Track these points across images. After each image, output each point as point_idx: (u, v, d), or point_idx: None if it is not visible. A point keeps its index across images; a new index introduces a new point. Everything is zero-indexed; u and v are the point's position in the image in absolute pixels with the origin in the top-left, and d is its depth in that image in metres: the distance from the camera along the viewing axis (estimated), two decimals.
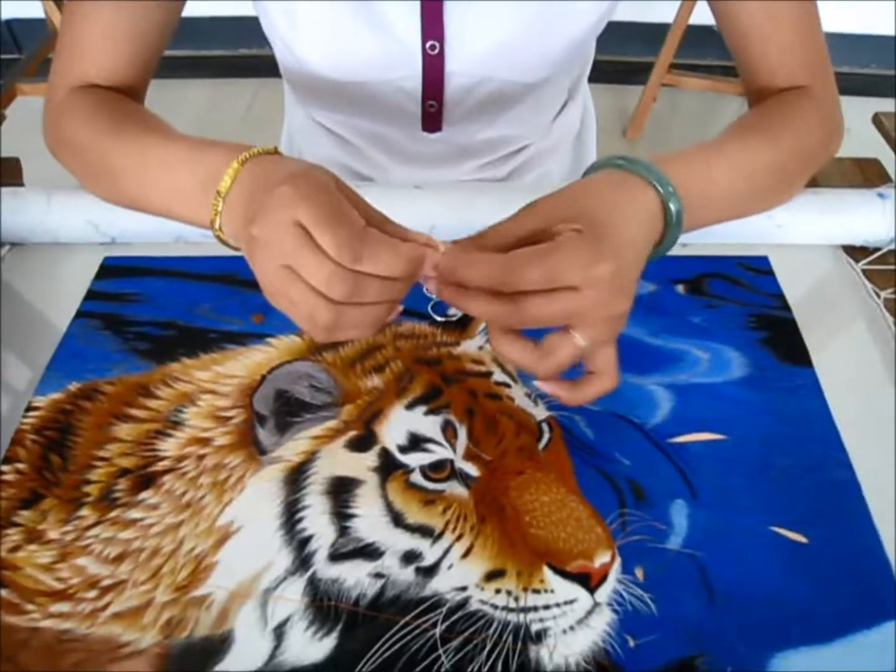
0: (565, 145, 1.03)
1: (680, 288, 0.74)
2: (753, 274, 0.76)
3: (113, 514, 0.56)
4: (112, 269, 0.75)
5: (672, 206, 0.55)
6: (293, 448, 0.59)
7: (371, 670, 0.50)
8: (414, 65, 0.80)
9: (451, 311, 0.70)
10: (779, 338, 0.70)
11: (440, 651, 0.50)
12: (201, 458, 0.59)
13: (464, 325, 0.70)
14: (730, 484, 0.59)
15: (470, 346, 0.67)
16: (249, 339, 0.68)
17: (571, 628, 0.51)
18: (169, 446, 0.59)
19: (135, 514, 0.56)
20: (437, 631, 0.51)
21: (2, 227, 0.74)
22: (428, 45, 0.78)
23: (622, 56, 2.67)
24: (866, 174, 0.87)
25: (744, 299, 0.73)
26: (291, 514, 0.55)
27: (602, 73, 1.06)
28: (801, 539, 0.57)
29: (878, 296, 0.76)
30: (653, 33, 2.50)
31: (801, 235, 0.78)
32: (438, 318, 0.70)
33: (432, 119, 0.87)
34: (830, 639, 0.52)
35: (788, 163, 0.69)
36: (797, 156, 0.70)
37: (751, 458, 0.61)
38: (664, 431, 0.62)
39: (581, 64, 0.98)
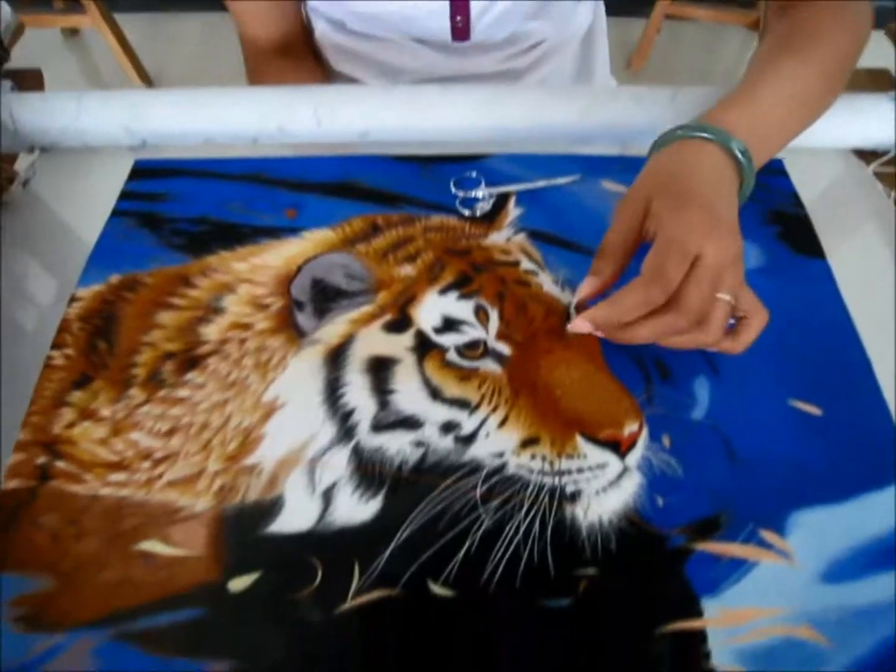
0: (576, 43, 1.06)
1: None
2: (768, 174, 0.77)
3: (161, 393, 0.58)
4: (144, 170, 0.77)
5: (736, 149, 0.59)
6: (332, 331, 0.60)
7: (416, 528, 0.52)
8: None
9: (479, 206, 0.72)
10: (793, 232, 0.72)
11: (480, 510, 0.52)
12: (243, 341, 0.60)
13: (491, 219, 0.71)
14: (749, 363, 0.61)
15: (497, 238, 0.69)
16: (283, 233, 0.70)
17: (604, 489, 0.53)
18: (211, 331, 0.61)
19: (182, 392, 0.58)
20: (477, 492, 0.53)
21: (31, 132, 0.75)
22: None
23: None
24: (877, 83, 0.88)
25: (759, 197, 0.74)
26: (333, 391, 0.57)
27: (607, 5, 1.07)
28: (816, 411, 0.59)
29: (889, 196, 0.77)
30: None
31: (814, 139, 0.79)
32: (466, 213, 0.71)
33: (461, 32, 0.90)
34: (842, 499, 0.54)
35: (827, 71, 0.70)
36: (834, 61, 0.71)
37: (768, 341, 0.62)
38: None
39: None
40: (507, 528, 0.51)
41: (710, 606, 0.49)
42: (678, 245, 0.52)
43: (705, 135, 0.59)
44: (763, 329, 0.58)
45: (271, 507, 0.53)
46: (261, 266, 0.66)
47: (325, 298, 0.61)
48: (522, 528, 0.51)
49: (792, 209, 0.75)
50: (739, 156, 0.59)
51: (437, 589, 0.50)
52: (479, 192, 0.73)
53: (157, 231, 0.71)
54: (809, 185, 0.78)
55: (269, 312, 0.62)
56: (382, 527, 0.52)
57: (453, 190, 0.72)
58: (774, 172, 0.78)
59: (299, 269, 0.63)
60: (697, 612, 0.49)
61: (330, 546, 0.51)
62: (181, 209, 0.72)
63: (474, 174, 0.74)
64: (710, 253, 0.52)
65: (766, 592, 0.50)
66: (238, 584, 0.50)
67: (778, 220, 0.73)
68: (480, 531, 0.51)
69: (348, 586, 0.50)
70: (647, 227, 0.55)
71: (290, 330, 0.60)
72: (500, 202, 0.72)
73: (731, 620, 0.49)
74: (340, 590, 0.50)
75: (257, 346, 0.60)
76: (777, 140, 0.68)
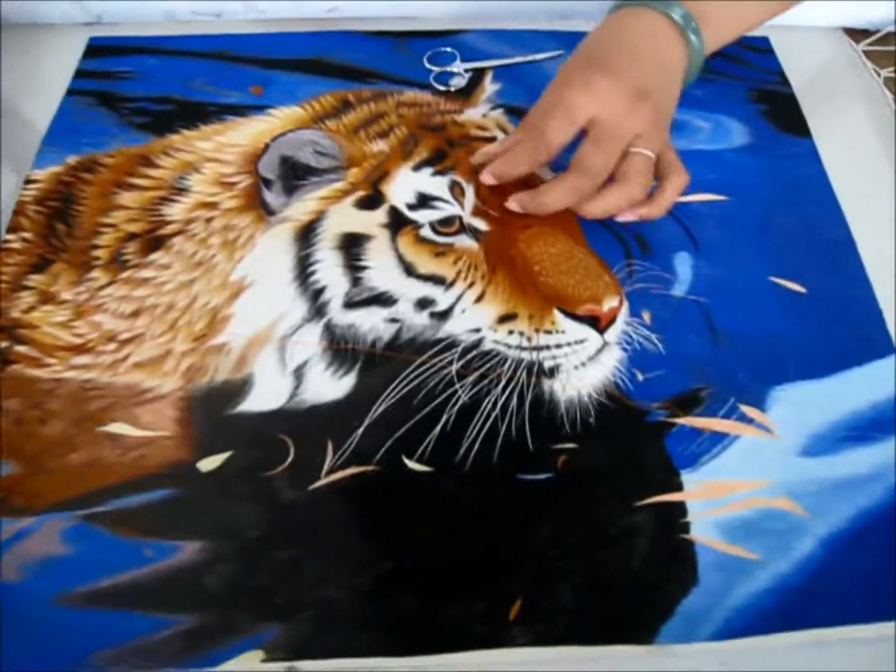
0: None
1: None
2: (753, 52, 0.75)
3: (124, 274, 0.56)
4: (100, 48, 0.73)
5: (676, 15, 0.55)
6: (301, 208, 0.58)
7: (390, 405, 0.51)
8: None
9: (454, 81, 0.69)
10: (778, 110, 0.70)
11: (457, 386, 0.51)
12: (209, 220, 0.58)
13: (467, 94, 0.69)
14: (731, 239, 0.60)
15: (473, 113, 0.67)
16: (249, 110, 0.67)
17: (583, 364, 0.53)
18: (175, 211, 0.59)
19: (146, 273, 0.56)
20: (453, 368, 0.52)
21: None
22: None
23: None
24: None
25: (744, 75, 0.73)
26: (304, 268, 0.56)
27: None
28: (800, 288, 0.58)
29: (879, 74, 0.75)
30: None
31: (802, 17, 0.76)
32: (441, 88, 0.69)
33: None
34: (823, 374, 0.54)
35: None
36: None
37: (751, 217, 0.62)
38: None
39: None
40: (485, 404, 0.51)
41: (689, 480, 0.49)
42: (564, 107, 0.53)
43: (646, 1, 0.56)
44: (682, 189, 0.56)
45: (241, 387, 0.52)
46: (227, 144, 0.63)
47: (295, 176, 0.58)
48: (500, 403, 0.51)
49: (777, 87, 0.73)
50: (679, 20, 0.55)
51: (413, 465, 0.49)
52: (455, 68, 0.70)
53: (117, 110, 0.67)
54: (796, 63, 0.75)
55: (236, 191, 0.59)
56: (356, 404, 0.51)
57: (427, 65, 0.70)
58: (760, 50, 0.76)
59: (267, 146, 0.60)
60: (677, 486, 0.49)
61: (302, 424, 0.50)
62: (142, 87, 0.69)
63: (449, 49, 0.72)
64: (602, 116, 0.52)
65: (746, 466, 0.50)
66: (209, 463, 0.49)
67: (763, 98, 0.71)
68: (457, 407, 0.51)
69: (322, 463, 0.49)
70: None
71: (258, 208, 0.58)
72: (476, 78, 0.70)
73: (710, 493, 0.49)
74: (314, 467, 0.49)
75: (224, 225, 0.58)
76: (734, 24, 0.64)
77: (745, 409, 0.52)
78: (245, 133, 0.64)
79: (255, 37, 0.73)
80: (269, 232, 0.57)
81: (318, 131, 0.62)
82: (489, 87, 0.70)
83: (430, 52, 0.71)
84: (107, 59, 0.72)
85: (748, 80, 0.72)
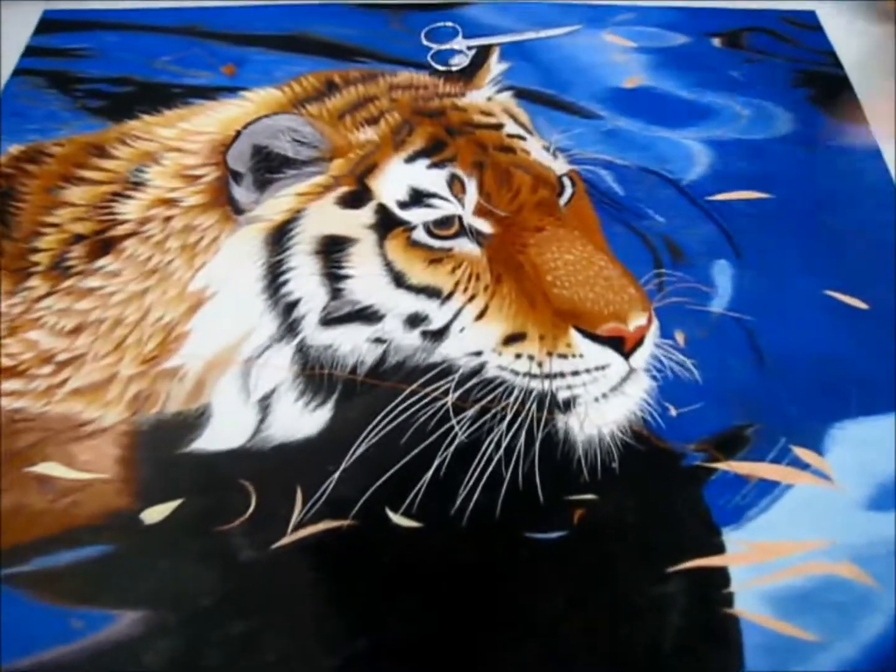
0: None
1: (716, 41, 0.68)
2: (799, 29, 0.70)
3: (67, 283, 0.51)
4: (55, 22, 0.68)
5: None
6: (275, 206, 0.52)
7: (373, 444, 0.45)
8: None
9: (455, 59, 0.65)
10: (829, 95, 0.65)
11: (453, 422, 0.46)
12: (168, 219, 0.52)
13: (470, 75, 0.63)
14: (777, 244, 0.55)
15: (477, 96, 0.60)
16: (220, 93, 0.62)
17: (604, 396, 0.47)
18: (130, 209, 0.53)
19: (92, 282, 0.51)
20: (449, 400, 0.47)
21: None
22: None
23: None
24: None
25: (789, 55, 0.68)
26: (275, 277, 0.50)
27: None
28: (860, 304, 0.52)
29: None
30: None
31: None
32: (440, 68, 0.64)
33: None
34: (890, 409, 0.48)
35: None
36: None
37: (799, 218, 0.56)
38: (702, 188, 0.57)
39: None
40: (486, 444, 0.45)
41: (733, 540, 0.43)
42: None
43: None
44: None
45: (196, 419, 0.47)
46: (192, 132, 0.57)
47: (269, 169, 0.52)
48: (504, 444, 0.45)
49: (827, 68, 0.67)
50: None
51: (399, 519, 0.44)
52: (456, 44, 0.66)
53: (71, 92, 0.63)
54: (848, 41, 0.69)
55: (201, 185, 0.53)
56: (331, 443, 0.46)
57: (425, 42, 0.66)
58: (806, 26, 0.70)
59: (238, 134, 0.53)
60: (718, 547, 0.43)
61: (266, 466, 0.45)
62: (99, 67, 0.65)
63: (450, 24, 0.67)
64: None
65: (801, 522, 0.44)
66: (154, 514, 0.44)
67: (810, 81, 0.66)
68: (452, 447, 0.45)
69: (288, 516, 0.44)
70: None
71: (225, 206, 0.52)
72: (481, 56, 0.65)
73: (758, 556, 0.43)
74: (278, 520, 0.44)
75: (185, 225, 0.52)
76: None
77: (798, 451, 0.46)
78: (213, 119, 0.58)
79: (228, 9, 0.69)
80: (237, 234, 0.52)
81: (297, 117, 0.55)
82: (495, 66, 0.64)
83: (429, 27, 0.67)
84: (62, 35, 0.67)
85: (794, 61, 0.67)
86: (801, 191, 0.57)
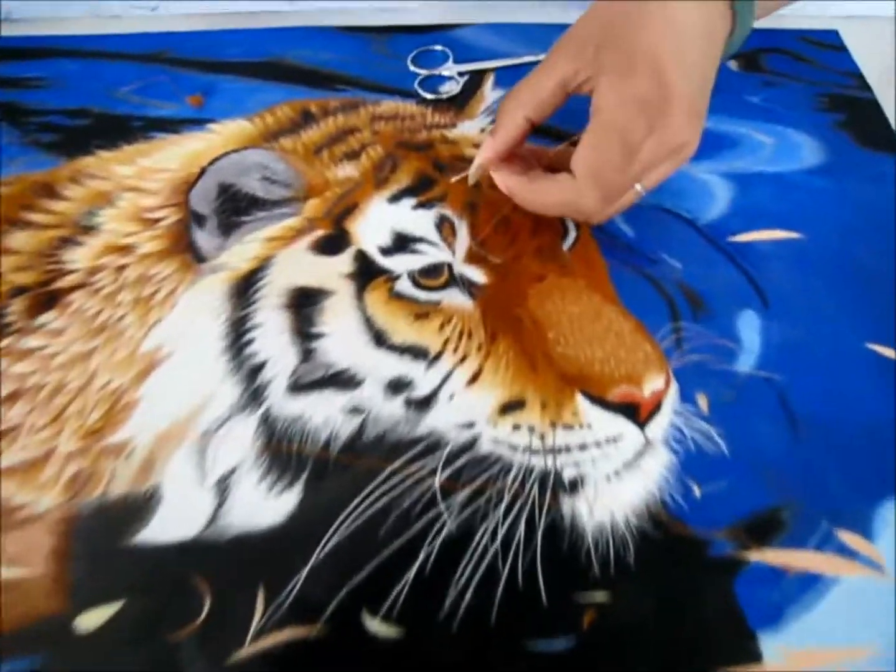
0: None
1: (733, 64, 0.64)
2: (820, 49, 0.66)
3: (3, 343, 0.47)
4: (6, 50, 0.65)
5: None
6: (241, 253, 0.49)
7: (347, 535, 0.41)
8: None
9: (445, 86, 0.61)
10: (858, 120, 0.61)
11: (441, 507, 0.41)
12: (121, 269, 0.49)
13: (462, 103, 0.60)
14: (809, 290, 0.50)
15: (470, 128, 0.59)
16: (185, 125, 0.59)
17: (617, 474, 0.43)
18: (78, 257, 0.50)
19: (32, 342, 0.47)
20: (437, 480, 0.42)
21: None
22: None
23: None
24: None
25: (810, 77, 0.64)
26: (239, 335, 0.46)
27: None
28: None
29: None
30: None
31: (874, 5, 0.67)
32: (428, 96, 0.61)
33: None
34: None
35: None
36: None
37: (832, 259, 0.52)
38: (723, 228, 0.53)
39: None
40: (480, 534, 0.41)
41: (771, 645, 0.38)
42: (620, 138, 0.43)
43: None
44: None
45: (143, 505, 0.42)
46: (151, 169, 0.54)
47: (235, 210, 0.49)
48: (501, 534, 0.41)
49: (854, 91, 0.63)
50: None
51: (377, 626, 0.39)
52: (446, 70, 0.63)
53: (21, 126, 0.59)
54: (874, 60, 0.65)
55: (159, 229, 0.50)
56: (299, 532, 0.41)
57: (412, 67, 0.63)
58: (828, 46, 0.66)
59: (202, 171, 0.51)
60: (754, 654, 0.38)
61: (223, 562, 0.40)
62: (55, 98, 0.61)
63: (439, 48, 0.64)
64: (648, 148, 0.43)
65: (850, 623, 0.38)
66: (90, 619, 0.39)
67: (837, 106, 0.62)
68: (440, 538, 0.40)
69: (248, 622, 0.39)
70: (582, 77, 0.45)
71: (185, 253, 0.49)
72: (474, 83, 0.62)
73: (801, 664, 0.37)
74: (237, 627, 0.39)
75: (139, 276, 0.48)
76: None
77: (844, 536, 0.41)
78: (176, 154, 0.55)
79: (197, 34, 0.66)
80: (197, 285, 0.48)
81: (268, 152, 0.53)
82: (489, 94, 0.62)
83: (416, 51, 0.64)
84: (13, 64, 0.64)
85: (817, 84, 0.63)
86: (833, 228, 0.53)
